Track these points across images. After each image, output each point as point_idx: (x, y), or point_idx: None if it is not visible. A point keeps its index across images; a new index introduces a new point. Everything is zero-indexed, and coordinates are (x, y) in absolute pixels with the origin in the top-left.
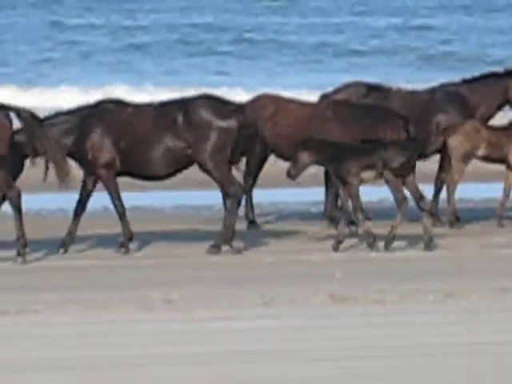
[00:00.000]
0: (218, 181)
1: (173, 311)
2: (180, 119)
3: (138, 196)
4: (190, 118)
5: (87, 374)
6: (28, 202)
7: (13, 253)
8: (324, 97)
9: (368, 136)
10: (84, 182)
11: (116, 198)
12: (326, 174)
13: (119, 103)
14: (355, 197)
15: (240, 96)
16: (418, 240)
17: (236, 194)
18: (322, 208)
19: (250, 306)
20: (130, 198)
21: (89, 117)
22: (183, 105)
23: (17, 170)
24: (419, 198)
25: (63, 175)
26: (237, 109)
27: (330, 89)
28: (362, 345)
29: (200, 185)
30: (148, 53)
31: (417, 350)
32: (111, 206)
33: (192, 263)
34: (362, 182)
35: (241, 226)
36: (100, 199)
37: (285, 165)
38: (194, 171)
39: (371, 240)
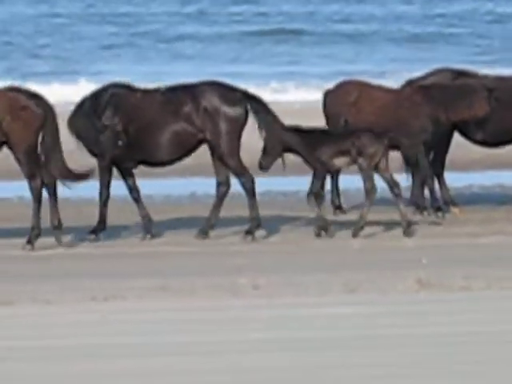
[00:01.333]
0: (232, 168)
1: (260, 297)
2: (189, 104)
3: None
4: (199, 103)
5: (174, 359)
6: (116, 188)
7: (97, 238)
8: (409, 83)
9: (459, 114)
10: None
11: (104, 185)
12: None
13: (124, 87)
14: (319, 181)
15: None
16: (501, 226)
17: (247, 184)
18: (408, 194)
19: (336, 292)
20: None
21: (98, 102)
22: (191, 90)
23: None
24: (393, 184)
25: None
26: (244, 95)
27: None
28: (449, 331)
29: (286, 171)
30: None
31: (506, 337)
32: (199, 192)
33: (279, 249)
34: (334, 168)
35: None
36: (186, 184)
37: None
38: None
39: (323, 225)
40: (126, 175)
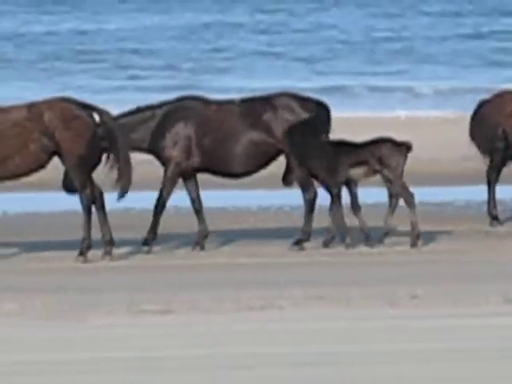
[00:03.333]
0: (298, 179)
1: (417, 307)
2: (268, 115)
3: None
4: (278, 113)
5: (328, 369)
6: (258, 198)
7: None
8: None
9: None
10: (184, 180)
11: (166, 195)
12: None
13: (198, 100)
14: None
15: None
16: None
17: (313, 197)
18: None
19: (494, 302)
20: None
21: (171, 113)
22: (268, 101)
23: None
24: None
25: (126, 182)
26: (317, 105)
27: None
28: None
29: (437, 181)
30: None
31: None
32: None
33: (437, 259)
34: (352, 178)
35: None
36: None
37: None
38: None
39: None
40: (191, 186)
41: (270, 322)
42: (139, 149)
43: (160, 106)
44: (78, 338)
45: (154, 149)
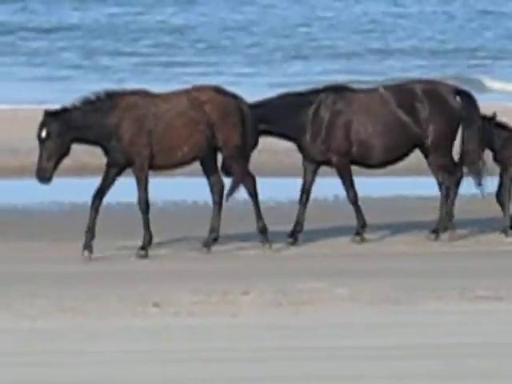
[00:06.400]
0: (437, 166)
1: None
2: (417, 102)
3: None
4: (422, 99)
5: None
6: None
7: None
8: None
9: None
10: (305, 169)
11: (349, 185)
12: None
13: (346, 89)
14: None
15: None
16: None
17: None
18: None
19: None
20: None
21: (325, 102)
22: (412, 88)
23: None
24: None
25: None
26: (455, 90)
27: None
28: None
29: None
30: None
31: None
32: None
33: None
34: None
35: None
36: None
37: None
38: None
39: None
40: (310, 176)
41: None
42: (286, 136)
43: (311, 93)
44: (408, 324)
45: (302, 137)
